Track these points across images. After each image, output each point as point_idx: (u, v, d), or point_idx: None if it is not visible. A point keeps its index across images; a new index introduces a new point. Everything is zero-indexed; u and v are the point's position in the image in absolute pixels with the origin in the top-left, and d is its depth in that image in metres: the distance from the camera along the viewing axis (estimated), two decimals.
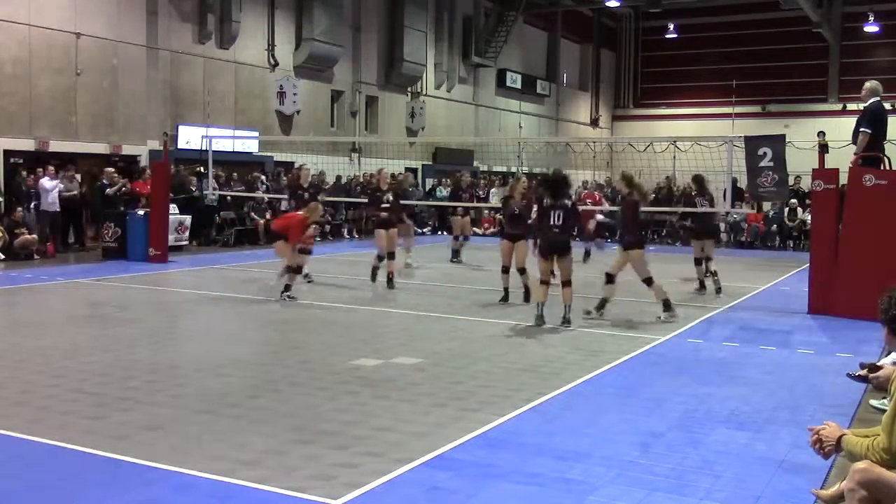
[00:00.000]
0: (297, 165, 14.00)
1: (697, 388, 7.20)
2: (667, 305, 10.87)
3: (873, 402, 6.36)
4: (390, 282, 13.14)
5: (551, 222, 10.27)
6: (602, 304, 10.91)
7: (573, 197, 11.54)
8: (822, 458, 4.20)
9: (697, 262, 13.65)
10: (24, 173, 17.86)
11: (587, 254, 17.21)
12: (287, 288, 11.81)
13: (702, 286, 13.55)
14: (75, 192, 18.08)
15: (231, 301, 11.81)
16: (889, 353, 6.78)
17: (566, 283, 10.44)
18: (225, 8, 23.10)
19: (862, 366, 7.25)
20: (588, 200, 18.75)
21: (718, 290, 13.20)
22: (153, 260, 16.14)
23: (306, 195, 13.44)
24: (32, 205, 17.10)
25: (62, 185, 17.48)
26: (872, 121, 10.92)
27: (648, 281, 10.90)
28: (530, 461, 5.27)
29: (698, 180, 13.92)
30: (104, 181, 18.23)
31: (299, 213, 12.31)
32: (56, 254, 17.21)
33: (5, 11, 18.07)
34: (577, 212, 11.02)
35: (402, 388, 7.03)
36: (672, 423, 6.15)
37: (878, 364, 6.85)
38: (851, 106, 32.63)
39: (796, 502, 4.68)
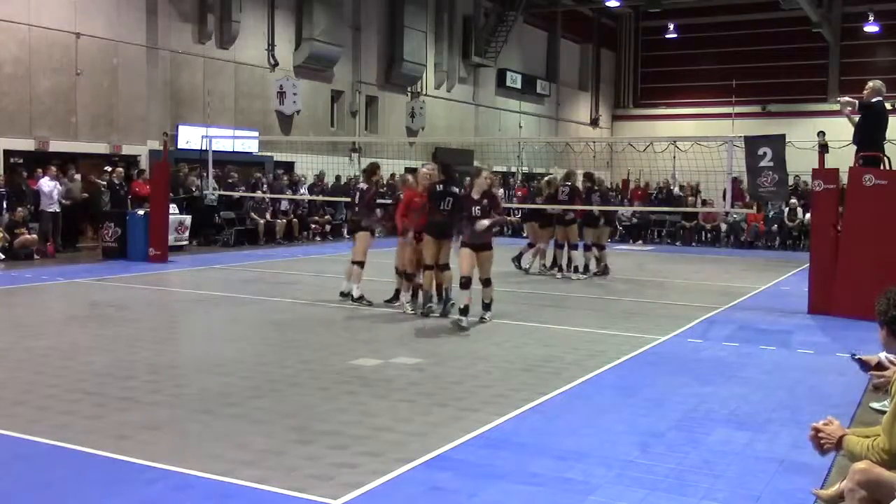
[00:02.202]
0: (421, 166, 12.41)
1: (697, 388, 7.20)
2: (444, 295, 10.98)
3: (873, 405, 6.35)
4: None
5: (441, 208, 10.71)
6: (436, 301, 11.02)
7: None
8: (820, 454, 4.20)
9: (588, 247, 15.32)
10: (25, 174, 17.88)
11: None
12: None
13: (596, 266, 15.36)
14: (76, 195, 18.12)
15: (231, 301, 11.80)
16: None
17: (445, 266, 10.86)
18: (225, 8, 23.10)
19: (862, 363, 7.25)
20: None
21: (581, 269, 15.32)
22: (153, 260, 16.14)
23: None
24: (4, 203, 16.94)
25: (61, 188, 17.46)
26: (873, 116, 10.92)
27: (446, 266, 10.92)
28: (530, 461, 5.27)
29: (590, 177, 15.87)
30: (114, 179, 18.36)
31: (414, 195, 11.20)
32: (56, 254, 17.22)
33: (5, 11, 18.07)
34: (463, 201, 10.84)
35: (402, 388, 7.03)
36: (672, 423, 6.15)
37: (882, 362, 6.84)
38: None
39: (796, 502, 4.68)
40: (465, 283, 10.03)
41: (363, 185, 11.97)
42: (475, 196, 10.21)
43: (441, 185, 10.83)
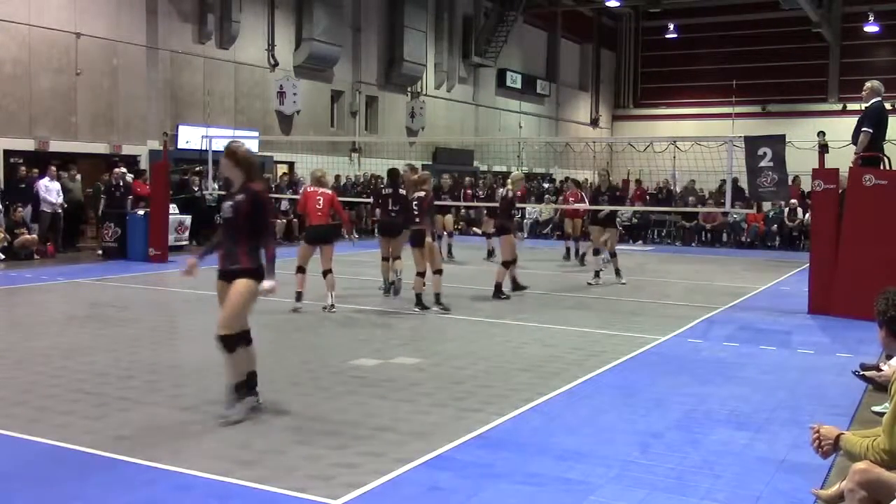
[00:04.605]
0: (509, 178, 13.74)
1: (697, 388, 7.20)
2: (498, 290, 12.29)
3: (875, 408, 6.35)
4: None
5: (389, 208, 12.16)
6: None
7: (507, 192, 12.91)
8: (822, 458, 4.21)
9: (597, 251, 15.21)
10: (24, 171, 17.83)
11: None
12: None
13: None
14: (77, 195, 18.11)
15: None
16: (890, 357, 6.77)
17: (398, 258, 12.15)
18: (225, 8, 23.11)
19: (863, 367, 7.26)
20: (570, 199, 18.64)
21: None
22: (153, 260, 16.14)
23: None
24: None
25: (60, 196, 17.37)
26: (874, 121, 10.91)
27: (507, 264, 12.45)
28: (530, 461, 5.27)
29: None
30: (112, 180, 18.28)
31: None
32: (56, 254, 17.21)
33: (5, 11, 18.07)
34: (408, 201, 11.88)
35: (402, 388, 7.03)
36: (672, 423, 6.15)
37: (881, 367, 6.86)
38: (851, 106, 32.67)
39: (796, 502, 4.68)
40: (229, 346, 6.05)
41: (420, 193, 11.47)
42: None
43: (390, 189, 12.36)
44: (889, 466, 3.76)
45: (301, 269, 11.27)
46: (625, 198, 18.02)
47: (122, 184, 18.47)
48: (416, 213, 11.21)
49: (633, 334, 9.72)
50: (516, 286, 12.77)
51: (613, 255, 14.62)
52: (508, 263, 12.45)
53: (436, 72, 32.00)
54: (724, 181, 22.92)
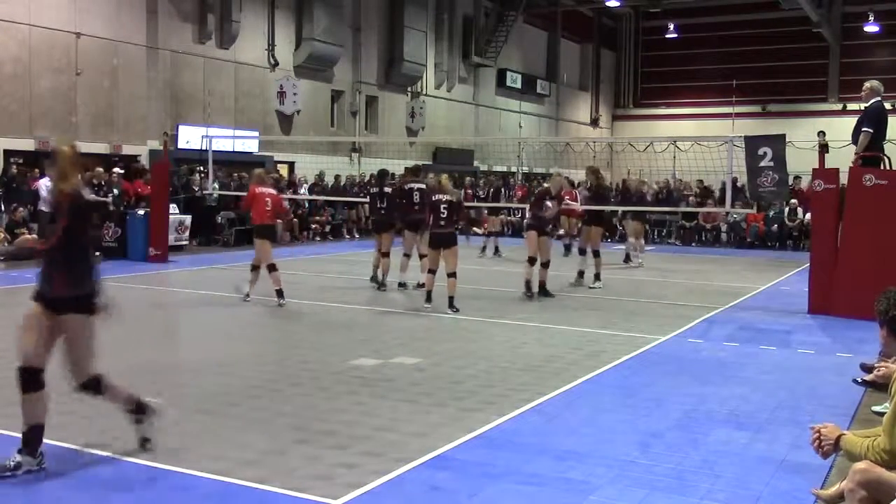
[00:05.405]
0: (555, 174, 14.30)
1: (697, 388, 7.20)
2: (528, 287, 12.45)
3: (875, 408, 6.35)
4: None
5: (378, 205, 13.10)
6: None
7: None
8: (822, 458, 4.20)
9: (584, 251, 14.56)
10: (15, 169, 17.77)
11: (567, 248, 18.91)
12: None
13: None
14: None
15: (231, 301, 11.80)
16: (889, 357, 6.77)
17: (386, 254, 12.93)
18: (225, 8, 23.12)
19: (862, 366, 7.26)
20: (566, 198, 18.63)
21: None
22: (153, 260, 16.13)
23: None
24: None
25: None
26: (874, 121, 10.92)
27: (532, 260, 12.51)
28: (530, 461, 5.27)
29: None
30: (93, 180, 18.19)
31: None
32: None
33: (5, 11, 18.08)
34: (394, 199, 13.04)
35: (402, 388, 7.03)
36: (672, 423, 6.15)
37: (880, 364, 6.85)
38: (851, 106, 32.66)
39: (796, 502, 4.68)
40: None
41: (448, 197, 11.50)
42: None
43: (376, 188, 13.26)
44: (889, 466, 3.76)
45: (273, 267, 11.41)
46: (608, 196, 17.67)
47: (103, 183, 18.33)
48: (442, 215, 11.20)
49: (633, 334, 9.72)
50: (543, 290, 12.56)
51: (596, 254, 14.13)
52: (533, 260, 12.46)
53: (436, 72, 32.02)
54: (701, 180, 23.15)
